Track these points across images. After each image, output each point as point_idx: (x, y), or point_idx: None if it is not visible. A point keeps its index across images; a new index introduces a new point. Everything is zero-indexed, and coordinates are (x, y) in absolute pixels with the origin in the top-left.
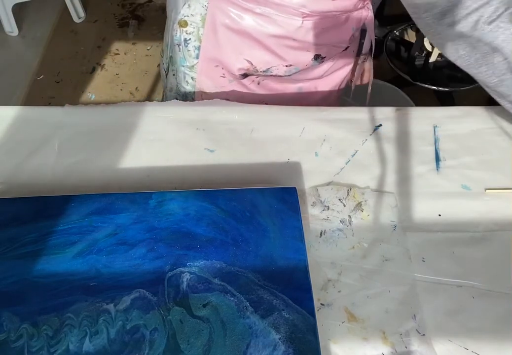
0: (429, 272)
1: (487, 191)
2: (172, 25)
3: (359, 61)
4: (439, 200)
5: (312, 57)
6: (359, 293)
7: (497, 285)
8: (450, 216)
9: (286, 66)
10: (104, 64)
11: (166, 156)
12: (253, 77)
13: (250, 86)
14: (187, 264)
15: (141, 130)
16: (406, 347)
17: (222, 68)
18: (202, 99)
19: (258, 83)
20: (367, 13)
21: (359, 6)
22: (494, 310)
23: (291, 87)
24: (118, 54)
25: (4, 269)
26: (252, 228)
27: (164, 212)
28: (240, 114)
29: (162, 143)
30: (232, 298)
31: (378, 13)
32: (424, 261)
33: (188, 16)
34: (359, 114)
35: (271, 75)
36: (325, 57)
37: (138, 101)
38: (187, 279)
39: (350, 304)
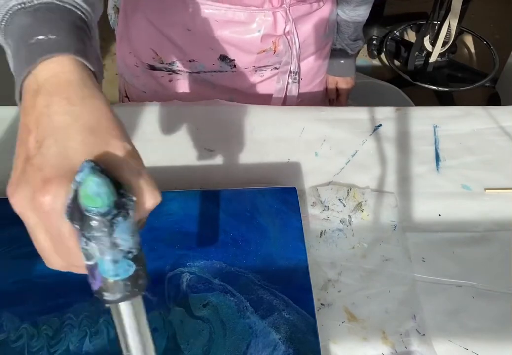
0: (429, 272)
1: (487, 191)
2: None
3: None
4: (439, 200)
5: (218, 56)
6: (359, 293)
7: (497, 285)
8: (450, 216)
9: (190, 61)
10: (104, 64)
11: (166, 156)
12: (163, 73)
13: (162, 80)
14: (187, 264)
15: (141, 130)
16: (406, 347)
17: (134, 56)
18: (124, 86)
19: (170, 81)
20: (285, 25)
21: (276, 5)
22: (494, 310)
23: (212, 93)
24: None
25: (4, 269)
26: (252, 228)
27: (164, 212)
28: (240, 114)
29: (162, 143)
30: (232, 298)
31: (378, 13)
32: (424, 261)
33: (117, 1)
34: (359, 114)
35: (179, 72)
36: (233, 60)
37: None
38: (187, 279)
39: (350, 304)
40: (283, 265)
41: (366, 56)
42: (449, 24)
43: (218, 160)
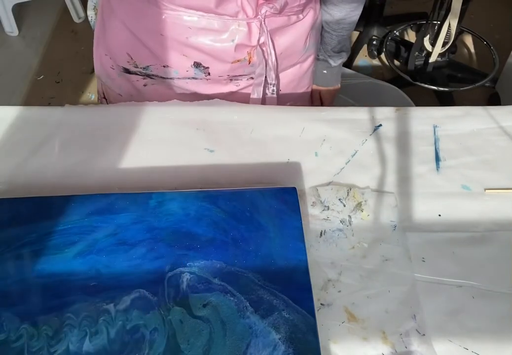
0: (429, 272)
1: (487, 191)
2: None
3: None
4: (439, 200)
5: (192, 63)
6: (359, 293)
7: (497, 285)
8: (450, 216)
9: (164, 66)
10: None
11: (166, 156)
12: (138, 77)
13: (137, 84)
14: (187, 264)
15: (141, 130)
16: (406, 347)
17: (110, 58)
18: (101, 87)
19: (145, 85)
20: (259, 34)
21: (250, 15)
22: (494, 310)
23: (186, 99)
24: None
25: (4, 269)
26: (252, 228)
27: (164, 212)
28: (240, 114)
29: (162, 143)
30: (232, 298)
31: (378, 13)
32: (424, 261)
33: (96, 3)
34: (359, 114)
35: (154, 76)
36: (208, 67)
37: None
38: (187, 279)
39: (350, 304)
40: (283, 265)
41: (366, 56)
42: (449, 24)
43: (218, 160)
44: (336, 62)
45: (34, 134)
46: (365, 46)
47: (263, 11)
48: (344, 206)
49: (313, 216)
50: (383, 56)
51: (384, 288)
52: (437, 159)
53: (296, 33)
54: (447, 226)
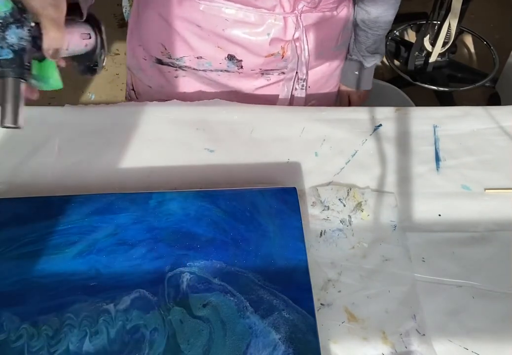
0: (429, 272)
1: (486, 191)
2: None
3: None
4: (439, 200)
5: (226, 56)
6: (359, 293)
7: (497, 285)
8: (450, 216)
9: (197, 57)
10: (104, 64)
11: (166, 156)
12: (170, 68)
13: (168, 76)
14: (187, 264)
15: (141, 130)
16: (406, 347)
17: (144, 49)
18: (131, 79)
19: (176, 77)
20: (292, 32)
21: (287, 10)
22: (494, 310)
23: (217, 92)
24: (118, 54)
25: (4, 269)
26: (252, 228)
27: (164, 212)
28: (240, 114)
29: (162, 143)
30: (232, 298)
31: None
32: (424, 261)
33: None
34: (359, 114)
35: (186, 68)
36: (241, 60)
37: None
38: (187, 279)
39: (350, 304)
40: (283, 265)
41: None
42: (449, 24)
43: (218, 160)
44: (370, 63)
45: (34, 134)
46: None
47: (300, 6)
48: (344, 206)
49: (313, 216)
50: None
51: (384, 288)
52: (437, 159)
53: (329, 30)
54: (447, 226)
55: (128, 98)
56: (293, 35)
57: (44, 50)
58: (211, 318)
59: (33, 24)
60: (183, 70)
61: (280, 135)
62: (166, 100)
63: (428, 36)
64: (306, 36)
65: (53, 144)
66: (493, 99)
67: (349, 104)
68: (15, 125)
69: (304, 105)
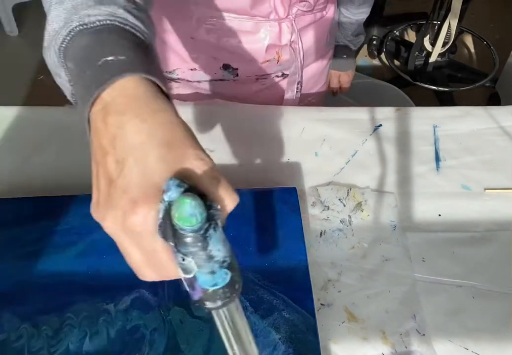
0: (429, 272)
1: (487, 191)
2: None
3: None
4: (439, 200)
5: (221, 65)
6: (359, 293)
7: (497, 285)
8: (450, 216)
9: (191, 69)
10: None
11: None
12: None
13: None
14: None
15: None
16: (406, 347)
17: None
18: None
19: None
20: (289, 35)
21: (282, 15)
22: (494, 310)
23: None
24: None
25: (4, 269)
26: (252, 228)
27: None
28: (240, 114)
29: None
30: None
31: (378, 13)
32: (424, 261)
33: None
34: (359, 114)
35: (179, 80)
36: (237, 69)
37: None
38: None
39: (350, 304)
40: (283, 265)
41: (366, 56)
42: (449, 24)
43: (218, 160)
44: (356, 45)
45: (34, 134)
46: (365, 46)
47: (294, 10)
48: (344, 206)
49: (313, 216)
50: (383, 56)
51: (384, 288)
52: (437, 159)
53: (321, 29)
54: (447, 226)
55: None
56: (290, 40)
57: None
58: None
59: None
60: (176, 82)
61: (280, 135)
62: None
63: (428, 36)
64: (300, 39)
65: (53, 144)
66: (493, 99)
67: (340, 86)
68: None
69: (306, 104)
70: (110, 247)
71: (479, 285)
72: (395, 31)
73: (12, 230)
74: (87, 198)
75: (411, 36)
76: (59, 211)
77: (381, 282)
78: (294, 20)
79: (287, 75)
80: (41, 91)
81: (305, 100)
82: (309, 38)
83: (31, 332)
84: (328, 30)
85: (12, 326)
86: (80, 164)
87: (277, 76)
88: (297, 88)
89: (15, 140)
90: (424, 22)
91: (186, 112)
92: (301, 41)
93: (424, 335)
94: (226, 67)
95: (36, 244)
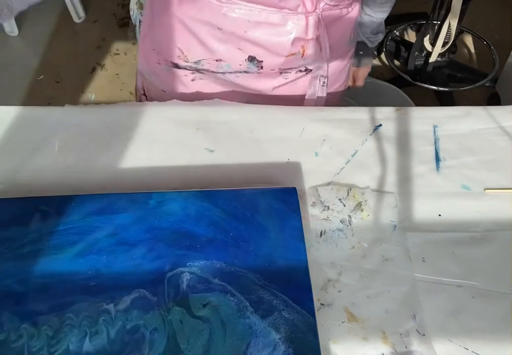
0: (429, 272)
1: (487, 191)
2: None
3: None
4: (439, 200)
5: (246, 57)
6: (359, 293)
7: (497, 285)
8: (450, 216)
9: (216, 60)
10: (104, 64)
11: (166, 156)
12: (187, 71)
13: (184, 79)
14: (187, 264)
15: (141, 130)
16: (406, 347)
17: (158, 53)
18: (142, 83)
19: (193, 80)
20: (314, 32)
21: (309, 9)
22: (494, 310)
23: (234, 94)
24: (118, 54)
25: (4, 269)
26: (252, 228)
27: (164, 212)
28: (240, 114)
29: (162, 143)
30: (232, 298)
31: None
32: (424, 261)
33: None
34: (359, 114)
35: (204, 71)
36: (261, 61)
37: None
38: (187, 279)
39: (350, 304)
40: (283, 265)
41: None
42: (449, 24)
43: (218, 160)
44: (374, 43)
45: (34, 134)
46: None
47: (321, 5)
48: (344, 206)
49: (313, 216)
50: (383, 56)
51: (384, 288)
52: (437, 159)
53: (345, 26)
54: (447, 226)
55: None
56: (316, 34)
57: None
58: (211, 318)
59: None
60: (201, 73)
61: (280, 135)
62: None
63: (428, 36)
64: (326, 34)
65: (53, 144)
66: (493, 99)
67: (353, 81)
68: None
69: (325, 102)
70: (110, 247)
71: (479, 285)
72: (395, 31)
73: (12, 230)
74: (87, 198)
75: (411, 36)
76: (59, 211)
77: (381, 282)
78: (321, 15)
79: (311, 70)
80: (41, 91)
81: (327, 97)
82: (333, 34)
83: (31, 332)
84: (353, 27)
85: (12, 326)
86: (80, 164)
87: (300, 71)
88: (323, 82)
89: (15, 140)
90: (424, 22)
91: (186, 112)
92: (327, 36)
93: (424, 335)
94: (251, 59)
95: (36, 244)
